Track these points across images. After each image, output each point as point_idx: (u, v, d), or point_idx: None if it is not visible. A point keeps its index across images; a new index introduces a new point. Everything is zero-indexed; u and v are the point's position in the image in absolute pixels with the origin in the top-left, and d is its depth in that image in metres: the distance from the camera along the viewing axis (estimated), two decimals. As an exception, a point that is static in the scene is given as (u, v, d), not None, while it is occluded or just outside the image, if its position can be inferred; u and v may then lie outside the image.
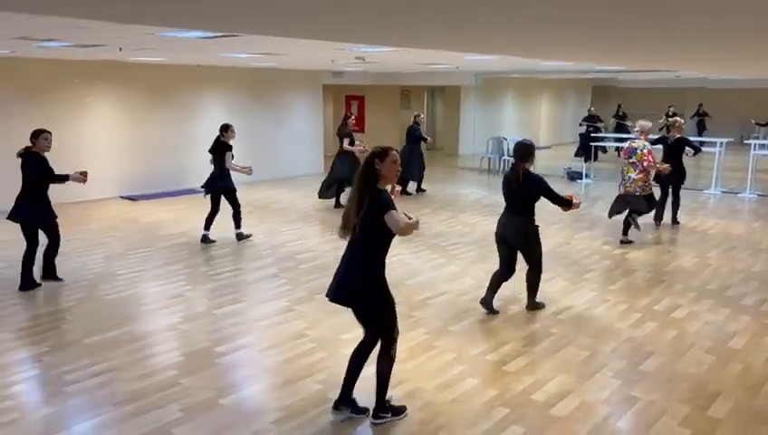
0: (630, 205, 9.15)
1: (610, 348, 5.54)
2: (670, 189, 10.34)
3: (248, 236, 9.24)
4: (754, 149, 13.70)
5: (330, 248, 8.88)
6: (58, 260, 7.25)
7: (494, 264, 8.04)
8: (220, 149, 8.89)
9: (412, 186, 13.31)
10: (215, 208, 9.03)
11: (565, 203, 6.12)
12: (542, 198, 6.12)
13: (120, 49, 8.71)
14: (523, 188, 6.06)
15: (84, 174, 7.02)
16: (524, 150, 6.07)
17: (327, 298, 4.23)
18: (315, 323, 6.04)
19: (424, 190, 13.41)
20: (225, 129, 8.96)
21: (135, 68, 12.52)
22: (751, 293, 7.09)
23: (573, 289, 7.12)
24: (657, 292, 7.08)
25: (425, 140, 13.58)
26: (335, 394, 4.61)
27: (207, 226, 9.07)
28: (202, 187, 9.09)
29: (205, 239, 9.06)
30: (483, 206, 12.19)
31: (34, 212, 6.88)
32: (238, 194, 9.12)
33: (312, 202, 12.36)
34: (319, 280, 7.36)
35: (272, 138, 15.11)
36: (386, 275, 4.16)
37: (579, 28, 4.13)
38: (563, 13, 3.39)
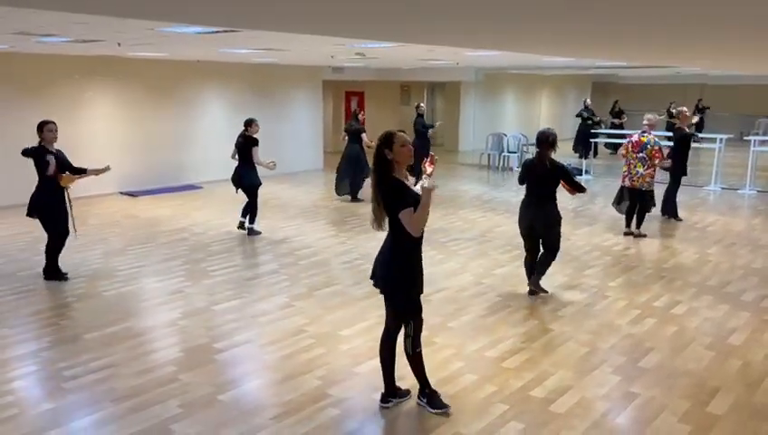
0: (645, 205, 9.15)
1: (610, 344, 5.54)
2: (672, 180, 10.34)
3: (258, 233, 9.28)
4: (754, 146, 13.68)
5: (330, 244, 8.87)
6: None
7: (494, 260, 8.08)
8: (247, 144, 8.99)
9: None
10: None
11: (582, 189, 6.51)
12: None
13: (119, 44, 8.69)
14: (549, 175, 6.30)
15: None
16: (553, 138, 6.33)
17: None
18: (314, 319, 6.04)
19: None
20: (249, 123, 9.08)
21: (134, 63, 12.48)
22: (751, 289, 7.09)
23: (573, 285, 7.12)
24: (656, 288, 7.07)
25: (431, 126, 13.47)
26: (334, 390, 4.62)
27: (244, 215, 9.30)
28: (236, 185, 9.21)
29: (250, 232, 9.26)
30: (482, 202, 12.18)
31: (39, 203, 6.87)
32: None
33: (312, 198, 12.35)
34: (318, 276, 7.36)
35: (272, 133, 15.02)
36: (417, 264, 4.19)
37: (581, 23, 4.11)
38: (564, 12, 3.38)
